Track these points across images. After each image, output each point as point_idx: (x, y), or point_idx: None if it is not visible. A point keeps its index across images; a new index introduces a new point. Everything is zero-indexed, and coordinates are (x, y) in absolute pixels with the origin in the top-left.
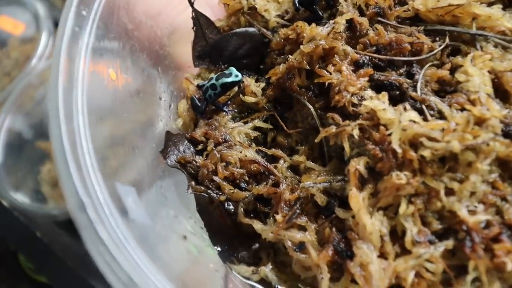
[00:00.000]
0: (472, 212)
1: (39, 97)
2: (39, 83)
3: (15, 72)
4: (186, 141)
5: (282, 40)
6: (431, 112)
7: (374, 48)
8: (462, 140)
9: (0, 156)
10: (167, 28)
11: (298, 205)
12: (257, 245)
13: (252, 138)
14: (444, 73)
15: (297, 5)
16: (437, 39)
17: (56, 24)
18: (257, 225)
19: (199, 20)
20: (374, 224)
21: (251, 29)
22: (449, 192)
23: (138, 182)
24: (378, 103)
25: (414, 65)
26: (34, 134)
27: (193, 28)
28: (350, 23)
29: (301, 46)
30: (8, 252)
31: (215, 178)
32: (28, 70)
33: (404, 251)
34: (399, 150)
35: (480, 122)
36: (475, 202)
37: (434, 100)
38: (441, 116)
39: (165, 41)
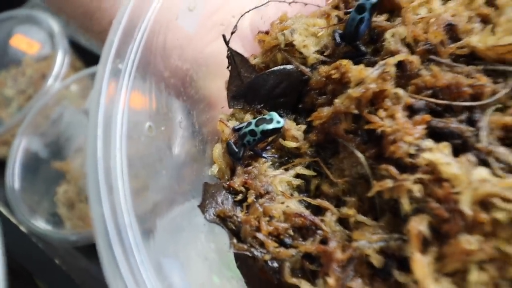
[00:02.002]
0: None
1: (55, 116)
2: (55, 103)
3: (30, 90)
4: (224, 191)
5: (323, 79)
6: (500, 165)
7: (430, 91)
8: None
9: (18, 181)
10: (201, 69)
11: (351, 266)
12: None
13: (294, 186)
14: (510, 119)
15: (338, 41)
16: (498, 80)
17: (71, 42)
18: (305, 287)
19: (235, 59)
20: None
21: (289, 67)
22: None
23: (183, 251)
24: (440, 155)
25: (476, 110)
26: (49, 154)
27: (228, 67)
28: (399, 61)
29: (349, 90)
30: (25, 271)
31: (259, 235)
32: (44, 90)
33: None
34: (469, 212)
35: None
36: None
37: (502, 151)
38: (510, 169)
39: (200, 84)
